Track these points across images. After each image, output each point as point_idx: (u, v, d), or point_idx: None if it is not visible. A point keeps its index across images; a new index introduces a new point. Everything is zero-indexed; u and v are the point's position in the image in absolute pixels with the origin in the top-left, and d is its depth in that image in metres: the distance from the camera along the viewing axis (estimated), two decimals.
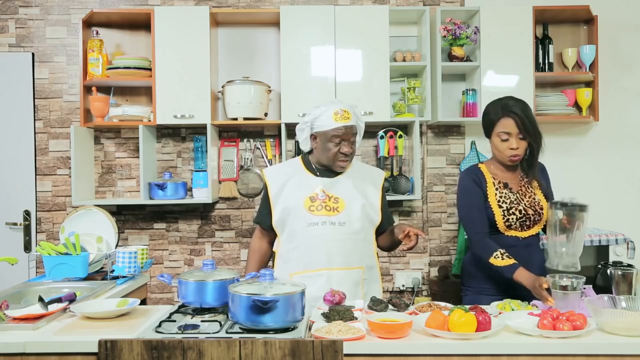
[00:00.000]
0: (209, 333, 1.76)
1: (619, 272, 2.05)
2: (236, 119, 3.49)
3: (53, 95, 3.74)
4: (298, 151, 3.66)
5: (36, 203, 3.73)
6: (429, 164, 3.82)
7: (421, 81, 3.64)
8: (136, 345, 1.66)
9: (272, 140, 3.78)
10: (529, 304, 2.07)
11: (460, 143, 3.82)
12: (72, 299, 2.10)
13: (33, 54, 3.72)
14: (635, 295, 2.01)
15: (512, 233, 2.30)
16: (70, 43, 3.73)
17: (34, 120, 3.72)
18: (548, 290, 1.99)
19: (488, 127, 2.34)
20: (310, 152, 2.44)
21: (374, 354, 1.70)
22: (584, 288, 2.03)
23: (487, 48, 3.49)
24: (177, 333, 1.76)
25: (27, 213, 3.71)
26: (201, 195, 3.55)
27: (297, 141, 3.62)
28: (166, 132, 3.78)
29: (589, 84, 3.70)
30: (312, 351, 1.64)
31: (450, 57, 3.57)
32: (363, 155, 3.78)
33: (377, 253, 2.46)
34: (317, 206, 2.31)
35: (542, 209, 2.31)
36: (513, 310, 1.99)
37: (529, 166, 2.32)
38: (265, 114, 3.56)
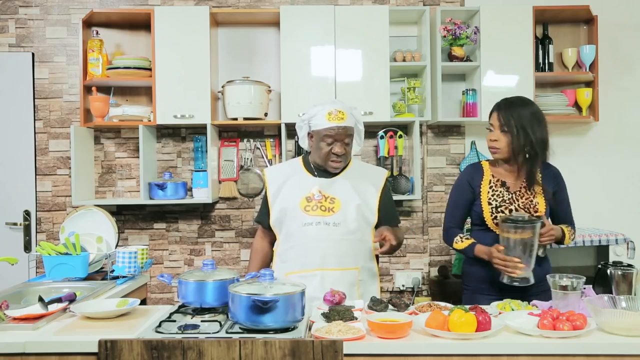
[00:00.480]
0: (209, 333, 1.75)
1: (619, 272, 2.05)
2: (236, 119, 3.49)
3: (53, 95, 3.74)
4: (298, 151, 3.66)
5: (36, 203, 3.73)
6: (429, 164, 3.82)
7: (421, 81, 3.64)
8: (136, 345, 1.66)
9: (272, 140, 3.78)
10: (529, 304, 2.07)
11: (460, 143, 3.82)
12: (72, 299, 2.10)
13: (33, 54, 3.72)
14: (635, 295, 2.01)
15: None
16: (70, 43, 3.73)
17: (34, 120, 3.72)
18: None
19: None
20: (310, 152, 2.44)
21: (374, 354, 1.69)
22: (584, 288, 2.03)
23: (487, 48, 3.49)
24: (177, 333, 1.76)
25: (27, 213, 3.71)
26: (201, 195, 3.55)
27: (297, 141, 3.65)
28: (166, 132, 3.78)
29: (589, 84, 3.70)
30: (312, 351, 1.64)
31: (450, 57, 3.57)
32: (363, 155, 3.78)
33: (376, 254, 2.42)
34: (312, 206, 2.32)
35: (536, 212, 2.30)
36: (513, 310, 1.99)
37: (528, 169, 2.31)
38: (265, 114, 3.56)
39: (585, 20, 3.73)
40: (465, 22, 3.63)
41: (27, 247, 3.70)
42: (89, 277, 2.57)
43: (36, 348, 1.74)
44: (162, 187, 3.49)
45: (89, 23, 3.56)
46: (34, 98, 3.72)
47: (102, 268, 2.76)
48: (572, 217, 2.43)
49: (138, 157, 3.60)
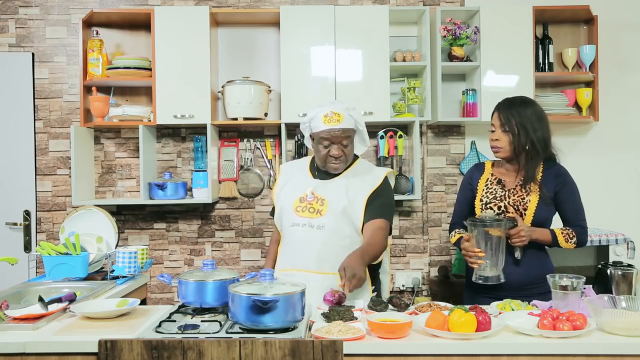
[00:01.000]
0: (209, 333, 1.76)
1: (619, 272, 2.05)
2: (236, 119, 3.49)
3: (53, 95, 3.74)
4: (298, 151, 3.66)
5: (36, 203, 3.73)
6: (429, 164, 3.82)
7: (421, 81, 3.64)
8: (136, 345, 1.66)
9: (272, 140, 3.78)
10: (529, 304, 2.07)
11: (460, 143, 3.82)
12: (72, 299, 2.10)
13: (33, 54, 3.72)
14: (635, 295, 2.01)
15: None
16: (70, 43, 3.73)
17: (34, 120, 3.72)
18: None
19: None
20: None
21: (374, 354, 1.69)
22: (584, 288, 2.03)
23: (487, 48, 3.49)
24: (177, 333, 1.77)
25: (27, 213, 3.71)
26: (201, 195, 3.55)
27: (297, 141, 3.66)
28: (166, 132, 3.78)
29: (589, 84, 3.70)
30: (312, 351, 1.64)
31: (450, 57, 3.57)
32: (363, 155, 3.75)
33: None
34: (302, 207, 2.32)
35: (525, 209, 2.28)
36: (513, 310, 1.99)
37: (528, 167, 2.30)
38: (265, 114, 3.56)
39: (585, 20, 3.73)
40: (465, 22, 3.63)
41: (27, 247, 3.70)
42: (89, 277, 2.57)
43: (36, 348, 1.74)
44: (162, 187, 3.49)
45: (89, 23, 3.56)
46: (34, 98, 3.72)
47: (102, 268, 2.76)
48: (581, 218, 2.33)
49: (138, 157, 3.60)
